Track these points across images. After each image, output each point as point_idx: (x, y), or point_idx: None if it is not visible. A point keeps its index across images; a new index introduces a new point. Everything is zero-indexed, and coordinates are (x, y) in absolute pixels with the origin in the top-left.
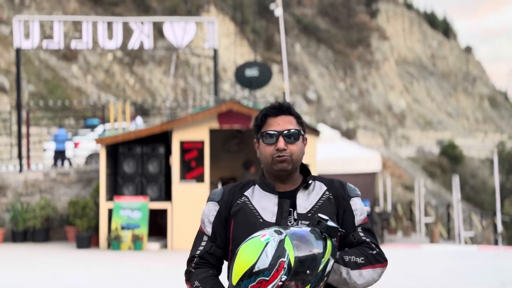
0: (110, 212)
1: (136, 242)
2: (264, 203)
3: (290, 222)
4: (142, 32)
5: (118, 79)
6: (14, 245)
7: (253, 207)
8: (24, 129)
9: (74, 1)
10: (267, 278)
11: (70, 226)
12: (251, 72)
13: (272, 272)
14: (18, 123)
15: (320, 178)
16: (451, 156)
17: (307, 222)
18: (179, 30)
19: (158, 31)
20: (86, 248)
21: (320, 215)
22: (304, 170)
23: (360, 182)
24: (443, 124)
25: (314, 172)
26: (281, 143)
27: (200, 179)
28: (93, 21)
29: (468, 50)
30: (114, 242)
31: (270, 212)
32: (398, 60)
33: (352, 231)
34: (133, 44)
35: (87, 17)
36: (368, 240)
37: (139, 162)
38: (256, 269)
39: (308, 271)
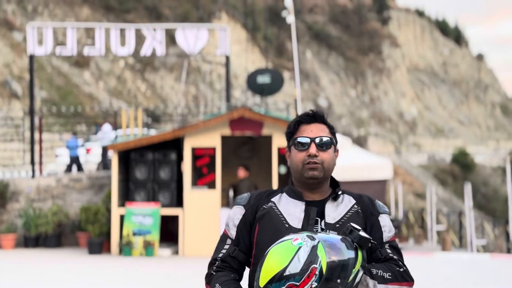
0: (122, 218)
1: (148, 248)
2: (290, 209)
3: (316, 231)
4: (154, 39)
5: (130, 86)
6: (26, 250)
7: (279, 212)
8: (36, 135)
9: (86, 8)
10: (298, 283)
11: (82, 232)
12: (263, 79)
13: (303, 278)
14: (31, 129)
15: (349, 192)
16: (462, 164)
17: (335, 233)
18: (191, 37)
19: (170, 38)
20: (97, 254)
21: (352, 224)
22: (334, 183)
23: (371, 190)
24: (455, 132)
25: None
26: (313, 149)
27: (211, 185)
28: (106, 28)
29: (480, 57)
30: (125, 248)
31: (297, 218)
32: (409, 68)
33: (380, 247)
34: (145, 50)
35: (100, 24)
36: (395, 257)
37: (150, 168)
38: (287, 273)
39: (338, 280)
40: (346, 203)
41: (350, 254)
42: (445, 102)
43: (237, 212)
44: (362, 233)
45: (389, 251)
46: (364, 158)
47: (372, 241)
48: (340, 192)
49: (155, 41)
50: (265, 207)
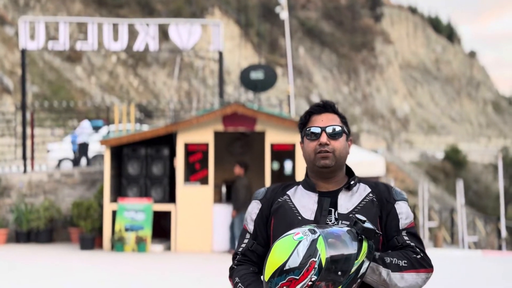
0: (114, 213)
1: (140, 244)
2: (304, 201)
3: (330, 222)
4: (147, 34)
5: (122, 81)
6: (17, 246)
7: (293, 205)
8: (28, 130)
9: (78, 2)
10: (297, 277)
11: (74, 227)
12: (256, 75)
13: (302, 272)
14: (22, 124)
15: (365, 181)
16: (454, 160)
17: (348, 223)
18: (184, 32)
19: (162, 33)
20: (89, 249)
21: (357, 215)
22: (350, 172)
23: None
24: (447, 129)
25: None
26: (323, 137)
27: (204, 181)
28: (98, 23)
29: (472, 55)
30: (117, 244)
31: (309, 210)
32: (402, 64)
33: (396, 234)
34: (138, 46)
35: (93, 19)
36: (412, 244)
37: (143, 164)
38: (286, 267)
39: (339, 272)
40: (361, 192)
41: (353, 246)
42: (437, 99)
43: (254, 207)
44: (366, 224)
45: (406, 238)
46: (356, 155)
47: (377, 232)
48: (353, 182)
49: (148, 36)
50: (280, 200)
